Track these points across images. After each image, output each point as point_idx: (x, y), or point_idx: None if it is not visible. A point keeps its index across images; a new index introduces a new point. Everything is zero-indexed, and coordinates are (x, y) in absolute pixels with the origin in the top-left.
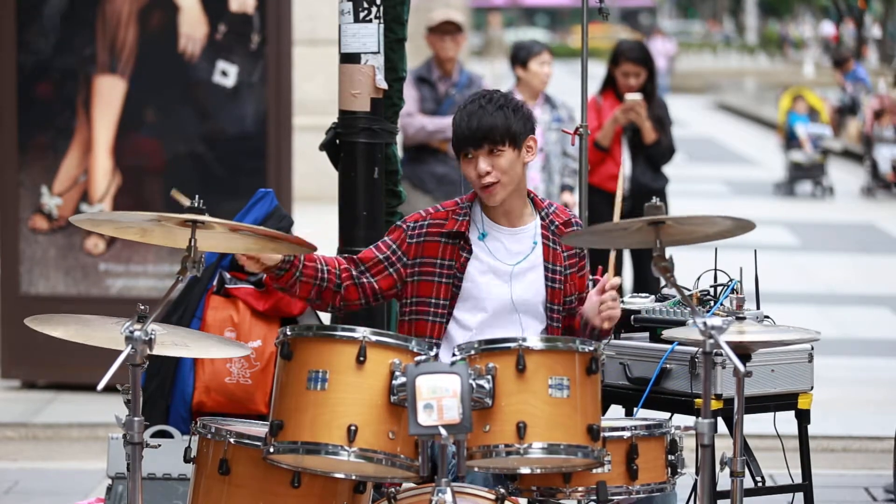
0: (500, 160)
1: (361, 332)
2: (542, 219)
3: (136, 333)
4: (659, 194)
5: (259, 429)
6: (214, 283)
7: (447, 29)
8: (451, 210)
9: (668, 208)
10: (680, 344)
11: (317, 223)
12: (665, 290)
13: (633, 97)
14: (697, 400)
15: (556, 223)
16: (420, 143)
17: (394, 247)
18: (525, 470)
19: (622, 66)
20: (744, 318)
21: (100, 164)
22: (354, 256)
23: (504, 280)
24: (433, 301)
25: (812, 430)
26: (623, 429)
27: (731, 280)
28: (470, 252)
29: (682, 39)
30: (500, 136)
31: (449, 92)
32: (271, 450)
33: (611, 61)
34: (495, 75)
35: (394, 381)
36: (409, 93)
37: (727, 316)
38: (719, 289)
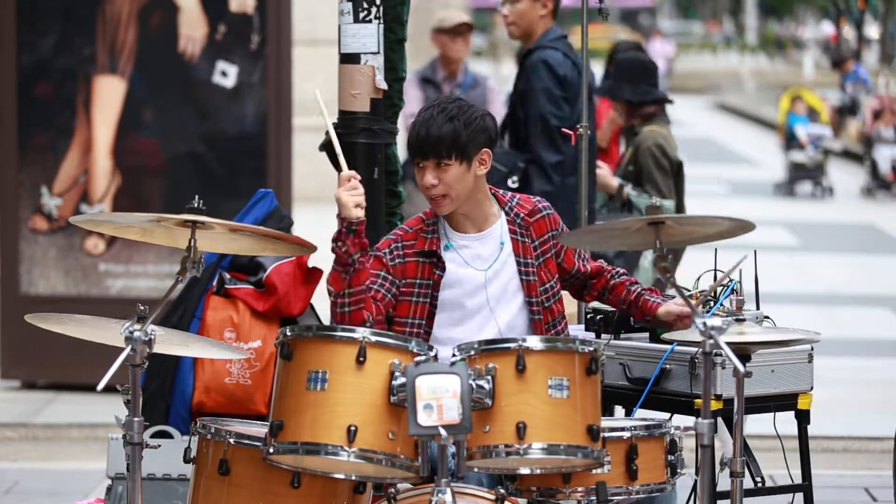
0: (447, 174)
1: (361, 333)
2: (507, 213)
3: (136, 334)
4: None
5: (259, 429)
6: (214, 283)
7: (461, 30)
8: (419, 229)
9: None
10: (679, 344)
11: (317, 224)
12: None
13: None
14: (697, 400)
15: (522, 214)
16: None
17: (382, 273)
18: (525, 470)
19: None
20: (743, 320)
21: (100, 164)
22: None
23: (480, 286)
24: (409, 321)
25: (812, 430)
26: (623, 429)
27: (730, 280)
28: (443, 269)
29: (682, 40)
30: (447, 149)
31: (454, 92)
32: (271, 450)
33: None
34: (501, 77)
35: (394, 382)
36: (414, 93)
37: (727, 316)
38: (719, 289)
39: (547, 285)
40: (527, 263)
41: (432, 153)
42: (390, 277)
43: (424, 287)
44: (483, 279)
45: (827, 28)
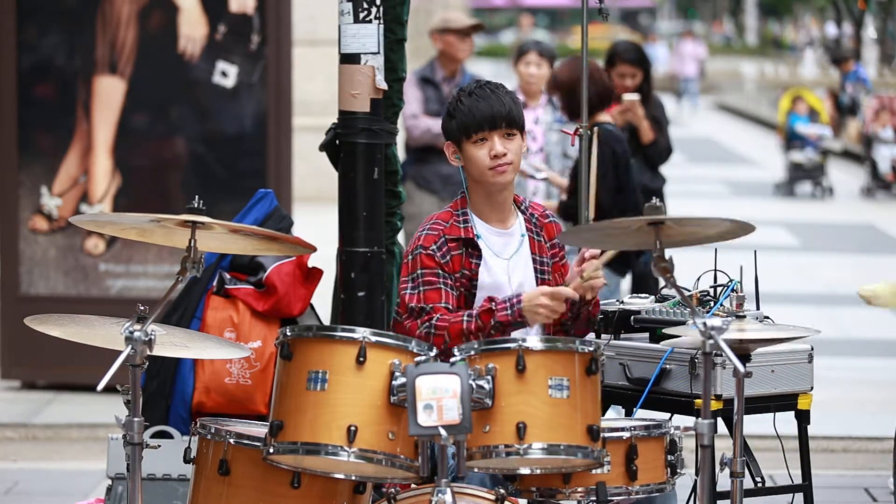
0: (513, 144)
1: (361, 333)
2: (523, 213)
3: (136, 334)
4: (657, 194)
5: (259, 429)
6: (214, 283)
7: (469, 32)
8: (453, 220)
9: (665, 208)
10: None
11: (317, 224)
12: (665, 291)
13: (630, 97)
14: (697, 400)
15: (536, 214)
16: (425, 145)
17: (439, 272)
18: (525, 470)
19: (618, 68)
20: (744, 317)
21: (100, 164)
22: (436, 307)
23: (504, 278)
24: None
25: (812, 430)
26: (622, 429)
27: (731, 280)
28: (479, 258)
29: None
30: (514, 120)
31: (453, 93)
32: (271, 450)
33: (607, 63)
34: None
35: (394, 382)
36: (414, 94)
37: (727, 316)
38: (719, 289)
39: None
40: (542, 262)
41: (505, 122)
42: (446, 274)
43: (465, 278)
44: (507, 270)
45: (830, 29)
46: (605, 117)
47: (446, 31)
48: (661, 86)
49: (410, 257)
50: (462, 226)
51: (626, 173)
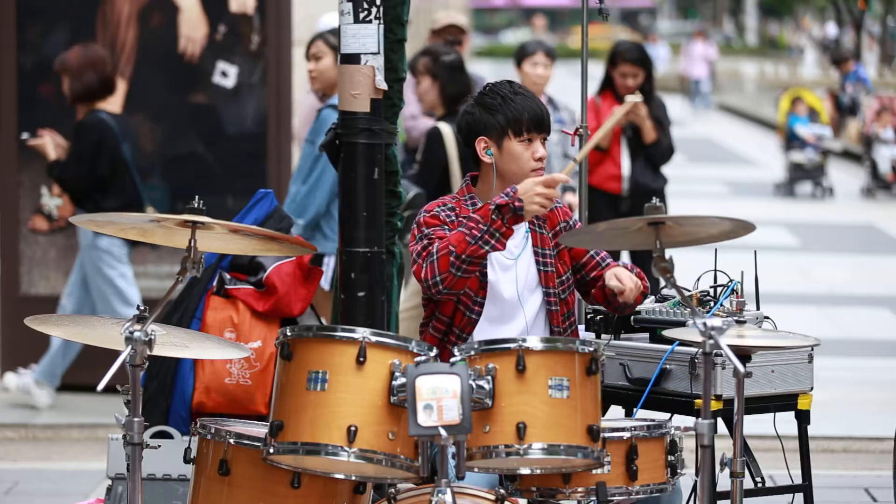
0: (544, 149)
1: (361, 333)
2: None
3: (136, 334)
4: (658, 194)
5: (259, 429)
6: (214, 283)
7: (452, 32)
8: (460, 200)
9: (667, 208)
10: (680, 344)
11: None
12: (665, 291)
13: (633, 98)
14: (697, 400)
15: None
16: None
17: (444, 227)
18: (525, 470)
19: (620, 67)
20: (744, 322)
21: None
22: None
23: (511, 272)
24: (472, 295)
25: (812, 430)
26: (623, 429)
27: (731, 281)
28: None
29: (682, 41)
30: (550, 128)
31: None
32: (271, 450)
33: (609, 62)
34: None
35: (394, 382)
36: (413, 95)
37: (727, 317)
38: (719, 289)
39: (563, 277)
40: (545, 254)
41: (548, 128)
42: (448, 229)
43: None
44: (513, 266)
45: (831, 29)
46: (106, 105)
47: (433, 33)
48: (672, 87)
49: (415, 225)
50: (470, 207)
51: (116, 161)
